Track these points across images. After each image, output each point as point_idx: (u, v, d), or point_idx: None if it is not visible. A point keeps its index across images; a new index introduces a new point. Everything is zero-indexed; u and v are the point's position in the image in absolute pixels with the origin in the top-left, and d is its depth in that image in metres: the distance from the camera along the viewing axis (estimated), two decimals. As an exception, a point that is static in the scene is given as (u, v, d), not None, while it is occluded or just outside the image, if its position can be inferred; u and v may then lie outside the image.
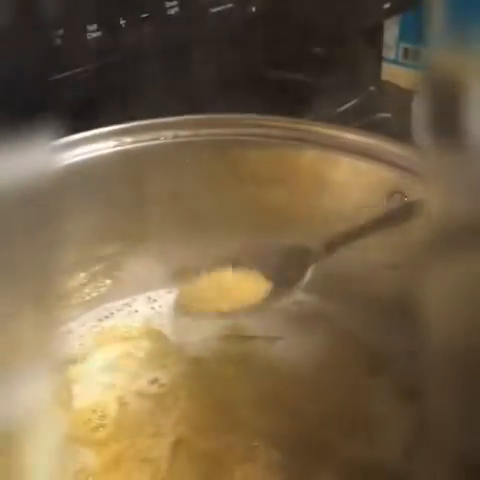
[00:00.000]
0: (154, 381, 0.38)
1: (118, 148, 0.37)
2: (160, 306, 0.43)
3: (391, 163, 0.38)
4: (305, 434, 0.35)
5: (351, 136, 0.39)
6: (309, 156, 0.38)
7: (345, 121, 0.64)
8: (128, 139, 0.37)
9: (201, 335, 0.41)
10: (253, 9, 0.56)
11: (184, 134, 0.38)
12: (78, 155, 0.36)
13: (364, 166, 0.38)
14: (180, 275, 0.44)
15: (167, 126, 0.38)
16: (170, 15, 0.53)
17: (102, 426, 0.36)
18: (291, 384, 0.36)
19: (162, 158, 0.39)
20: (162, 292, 0.44)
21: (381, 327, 0.36)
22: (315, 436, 0.34)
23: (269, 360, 0.38)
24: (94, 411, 0.36)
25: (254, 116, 0.39)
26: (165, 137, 0.38)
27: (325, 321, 0.40)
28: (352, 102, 0.67)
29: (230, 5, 0.55)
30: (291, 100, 0.57)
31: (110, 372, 0.38)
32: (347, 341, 0.38)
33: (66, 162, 0.36)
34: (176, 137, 0.38)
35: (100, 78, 0.50)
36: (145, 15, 0.52)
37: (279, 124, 0.39)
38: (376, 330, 0.37)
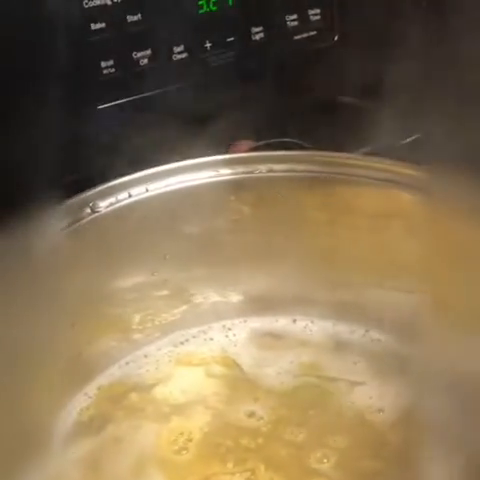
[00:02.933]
0: (251, 414, 0.37)
1: (215, 179, 0.37)
2: (234, 335, 0.43)
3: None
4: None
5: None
6: (400, 197, 0.38)
7: (412, 151, 0.63)
8: (225, 170, 0.37)
9: (277, 370, 0.41)
10: (336, 37, 0.56)
11: (279, 168, 0.38)
12: (178, 183, 0.37)
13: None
14: (256, 305, 0.44)
15: (263, 160, 0.38)
16: (255, 40, 0.53)
17: (185, 449, 0.36)
18: (375, 434, 0.36)
19: (256, 190, 0.39)
20: (237, 321, 0.44)
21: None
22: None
23: (351, 406, 0.38)
24: (182, 434, 0.37)
25: (349, 155, 0.39)
26: (260, 171, 0.38)
27: (405, 366, 0.39)
28: (418, 135, 0.67)
29: (313, 33, 0.55)
30: (362, 128, 0.56)
31: (195, 397, 0.39)
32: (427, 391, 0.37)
33: (164, 189, 0.37)
34: (271, 171, 0.38)
35: (182, 99, 0.50)
36: (231, 39, 0.52)
37: (375, 165, 0.38)
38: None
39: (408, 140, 0.66)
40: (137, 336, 0.42)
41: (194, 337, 0.43)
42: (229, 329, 0.43)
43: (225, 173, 0.38)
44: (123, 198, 0.36)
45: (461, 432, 0.35)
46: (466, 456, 0.33)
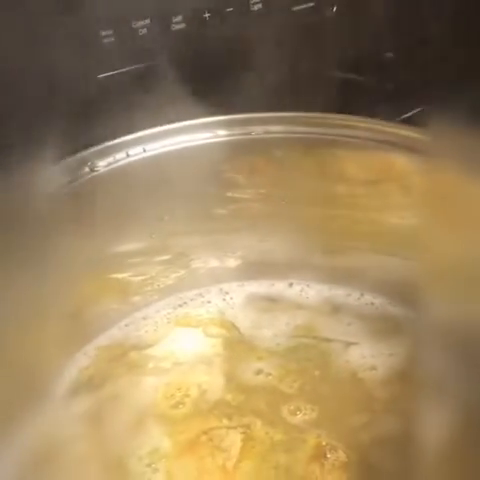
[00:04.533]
0: (259, 372, 0.39)
1: (211, 140, 0.38)
2: (231, 298, 0.44)
3: None
4: (377, 444, 0.35)
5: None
6: (399, 160, 0.38)
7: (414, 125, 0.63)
8: (222, 132, 0.38)
9: (273, 331, 0.41)
10: (334, 9, 0.56)
11: (275, 130, 0.39)
12: (175, 144, 0.37)
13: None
14: (253, 270, 0.44)
15: (259, 121, 0.38)
16: (253, 11, 0.53)
17: (182, 404, 0.37)
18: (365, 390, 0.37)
19: (252, 152, 0.39)
20: (234, 285, 0.44)
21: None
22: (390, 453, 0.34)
23: (345, 364, 0.38)
24: (179, 389, 0.38)
25: (345, 116, 0.39)
26: (256, 132, 0.38)
27: (400, 328, 0.40)
28: (419, 108, 0.67)
29: (312, 4, 0.55)
30: (358, 103, 0.57)
31: (195, 355, 0.40)
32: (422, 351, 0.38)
33: (161, 150, 0.37)
34: (267, 133, 0.38)
35: (180, 69, 0.51)
36: (229, 9, 0.52)
37: (369, 126, 0.39)
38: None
39: (410, 114, 0.66)
40: (136, 299, 0.43)
41: (192, 300, 0.44)
42: (226, 293, 0.44)
43: (222, 134, 0.38)
44: (121, 158, 0.36)
45: (455, 386, 0.35)
46: (458, 408, 0.34)
